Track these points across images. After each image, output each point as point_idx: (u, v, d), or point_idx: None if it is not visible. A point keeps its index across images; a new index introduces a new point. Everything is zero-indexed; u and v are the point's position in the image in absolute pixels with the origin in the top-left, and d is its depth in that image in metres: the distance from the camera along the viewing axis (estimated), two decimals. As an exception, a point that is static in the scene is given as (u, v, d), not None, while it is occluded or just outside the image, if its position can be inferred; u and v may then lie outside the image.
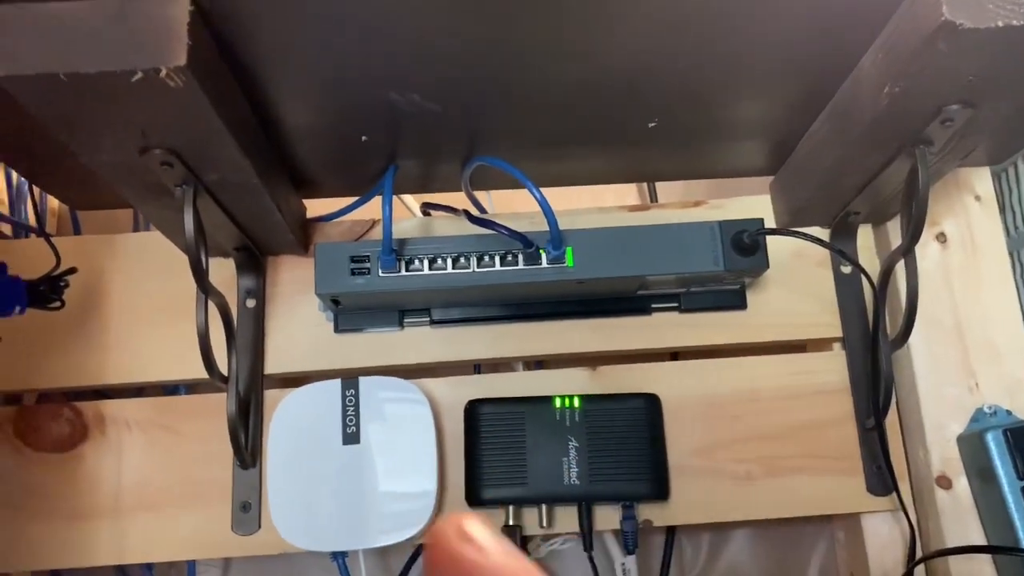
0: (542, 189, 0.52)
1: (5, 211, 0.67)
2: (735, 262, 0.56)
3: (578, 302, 0.63)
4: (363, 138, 0.55)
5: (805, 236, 0.54)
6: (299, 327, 0.63)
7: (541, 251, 0.55)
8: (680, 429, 0.60)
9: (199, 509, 0.59)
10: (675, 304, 0.62)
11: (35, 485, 0.60)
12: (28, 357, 0.62)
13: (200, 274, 0.51)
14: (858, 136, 0.51)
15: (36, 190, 0.68)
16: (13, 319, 0.60)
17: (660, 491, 0.58)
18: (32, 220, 0.69)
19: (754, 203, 0.65)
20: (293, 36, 0.44)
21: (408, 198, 0.72)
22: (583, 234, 0.56)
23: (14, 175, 0.69)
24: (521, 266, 0.56)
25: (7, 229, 0.67)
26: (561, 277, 0.56)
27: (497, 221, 0.55)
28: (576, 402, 0.58)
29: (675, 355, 0.67)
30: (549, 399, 0.59)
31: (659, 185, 0.76)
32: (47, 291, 0.56)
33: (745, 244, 0.56)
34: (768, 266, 0.56)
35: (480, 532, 0.21)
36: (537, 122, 0.56)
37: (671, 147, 0.60)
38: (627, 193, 0.78)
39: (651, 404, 0.59)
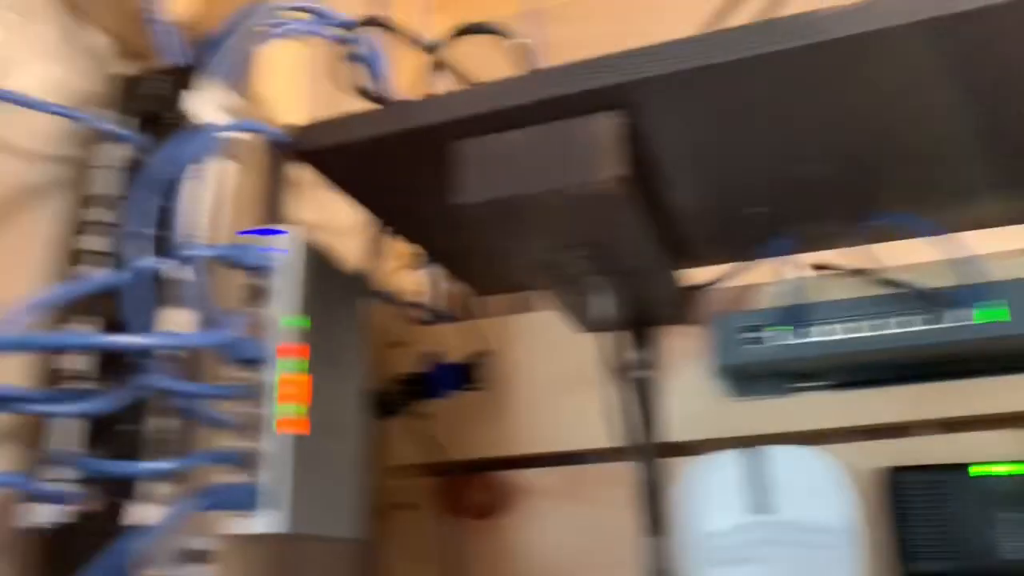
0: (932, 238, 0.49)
1: (419, 300, 0.76)
2: None
3: (990, 358, 0.58)
4: (757, 210, 0.56)
5: None
6: (691, 396, 0.64)
7: (962, 308, 0.52)
8: None
9: (614, 576, 0.62)
10: (1116, 354, 0.55)
11: (462, 551, 0.67)
12: (451, 432, 0.69)
13: (609, 351, 0.54)
14: None
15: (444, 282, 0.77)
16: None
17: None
18: (441, 307, 0.77)
19: None
20: (702, 135, 0.46)
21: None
22: (1017, 285, 0.52)
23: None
24: (940, 324, 0.53)
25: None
26: (997, 334, 0.52)
27: (909, 281, 0.53)
28: (1011, 469, 0.54)
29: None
30: (979, 466, 0.55)
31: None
32: (470, 373, 0.63)
33: None
34: None
35: None
36: (940, 173, 0.53)
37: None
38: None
39: None
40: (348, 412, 0.48)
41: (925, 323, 0.53)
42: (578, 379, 0.67)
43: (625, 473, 0.64)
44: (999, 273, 0.52)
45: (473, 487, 0.68)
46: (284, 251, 0.43)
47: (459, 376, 0.63)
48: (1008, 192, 0.56)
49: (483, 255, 0.62)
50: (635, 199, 0.45)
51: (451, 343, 0.70)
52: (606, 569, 0.63)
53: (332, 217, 0.70)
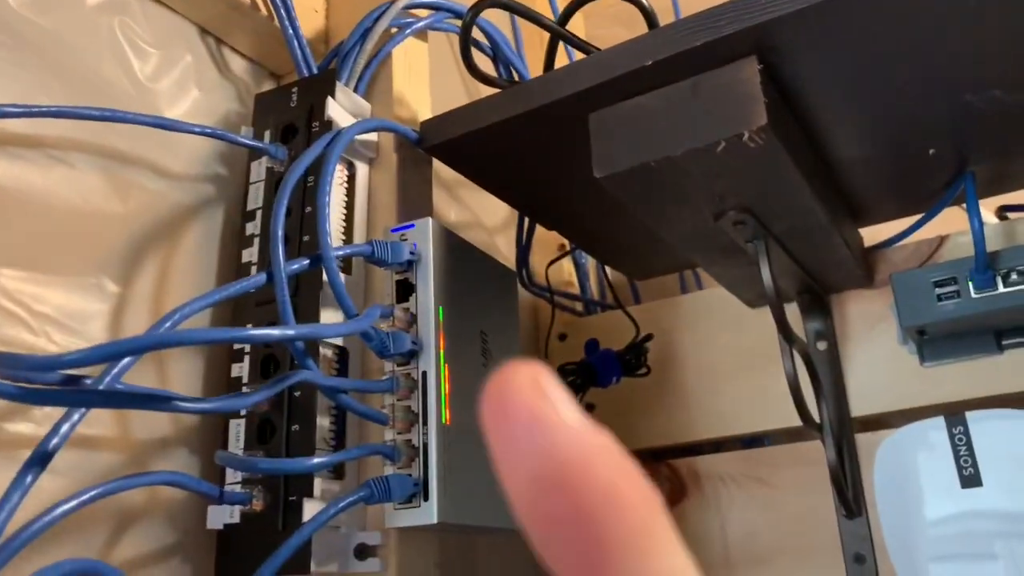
0: None
1: (575, 290, 0.75)
2: None
3: None
4: (930, 152, 0.50)
5: None
6: (878, 364, 0.59)
7: None
8: None
9: (811, 562, 0.58)
10: None
11: (646, 540, 0.64)
12: (618, 421, 0.67)
13: (783, 323, 0.50)
14: None
15: (602, 271, 0.75)
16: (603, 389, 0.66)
17: None
18: (597, 295, 0.76)
19: None
20: (857, 68, 0.42)
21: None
22: None
23: (586, 259, 0.76)
24: None
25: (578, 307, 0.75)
26: None
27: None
28: None
29: None
30: None
31: None
32: (633, 359, 0.61)
33: None
34: None
35: (557, 391, 0.17)
36: None
37: None
38: None
39: None
40: (505, 403, 0.47)
41: None
42: (751, 357, 0.63)
43: (812, 453, 0.59)
44: None
45: (657, 476, 0.65)
46: (421, 243, 0.42)
47: (623, 363, 0.61)
48: None
49: (632, 236, 0.60)
50: (788, 150, 0.41)
51: (614, 331, 0.68)
52: (798, 555, 0.59)
53: (484, 215, 0.70)
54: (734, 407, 0.63)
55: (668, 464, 0.65)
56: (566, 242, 0.74)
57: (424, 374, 0.41)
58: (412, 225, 0.43)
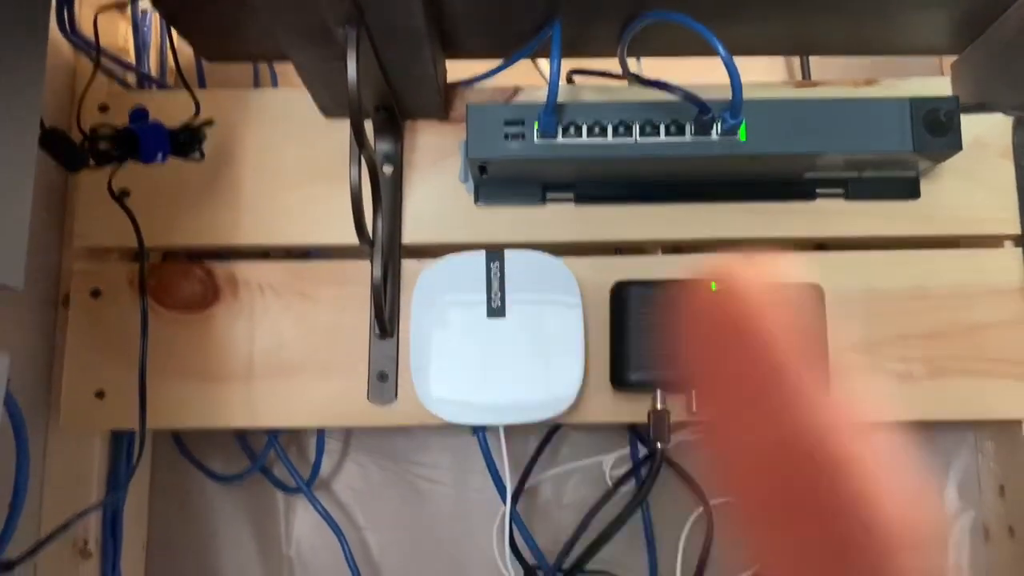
0: (692, 58, 0.48)
1: (129, 58, 0.64)
2: (926, 143, 0.51)
3: (734, 184, 0.58)
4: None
5: (1013, 113, 0.49)
6: (437, 197, 0.60)
7: (716, 121, 0.51)
8: (840, 322, 0.56)
9: (333, 377, 0.58)
10: (842, 190, 0.58)
11: (166, 344, 0.59)
12: (156, 213, 0.59)
13: (358, 125, 0.48)
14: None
15: (167, 42, 0.65)
16: (144, 171, 0.57)
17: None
18: (156, 72, 0.66)
19: (930, 84, 0.60)
20: None
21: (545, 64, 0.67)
22: (760, 105, 0.51)
23: (150, 25, 0.65)
24: (688, 138, 0.52)
25: (131, 80, 0.64)
26: (731, 151, 0.52)
27: (670, 83, 0.50)
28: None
29: (821, 246, 0.62)
30: (705, 282, 0.55)
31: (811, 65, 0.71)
32: (187, 141, 0.54)
33: (938, 124, 0.51)
34: (961, 147, 0.51)
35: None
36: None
37: (853, 14, 0.55)
38: (775, 70, 0.73)
39: (815, 294, 0.56)
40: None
41: (677, 135, 0.52)
42: (314, 169, 0.60)
43: (356, 272, 0.59)
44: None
45: (190, 277, 0.59)
46: None
47: (174, 141, 0.53)
48: (764, 12, 0.55)
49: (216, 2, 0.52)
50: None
51: (167, 112, 0.59)
52: (324, 368, 0.58)
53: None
54: (287, 216, 0.60)
55: (204, 266, 0.60)
56: (130, -5, 0.63)
57: None
58: None
